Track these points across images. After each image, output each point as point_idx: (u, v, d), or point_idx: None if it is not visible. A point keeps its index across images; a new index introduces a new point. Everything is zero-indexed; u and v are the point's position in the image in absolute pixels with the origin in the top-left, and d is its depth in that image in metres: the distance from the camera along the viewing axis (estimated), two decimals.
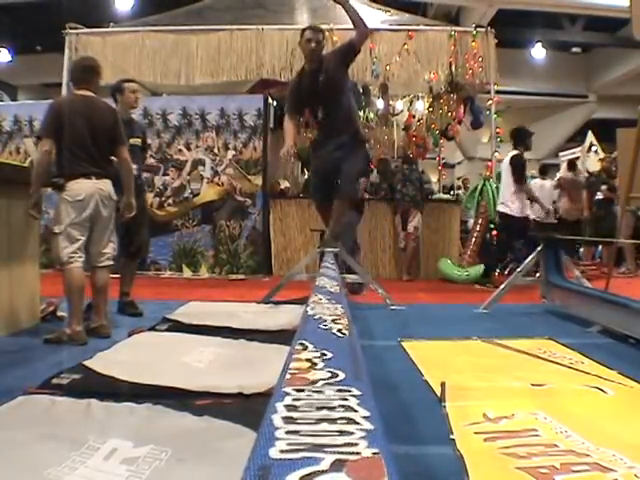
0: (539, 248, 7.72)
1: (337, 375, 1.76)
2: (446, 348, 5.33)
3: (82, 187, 5.39)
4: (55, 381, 3.81)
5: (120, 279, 7.05)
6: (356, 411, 1.38)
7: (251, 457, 1.07)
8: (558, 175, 14.88)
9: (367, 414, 1.34)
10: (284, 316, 6.33)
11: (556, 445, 2.87)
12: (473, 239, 11.99)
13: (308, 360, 1.92)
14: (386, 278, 11.08)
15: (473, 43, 11.87)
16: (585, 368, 4.55)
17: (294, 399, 1.49)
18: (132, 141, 6.60)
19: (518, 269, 7.92)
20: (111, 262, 5.78)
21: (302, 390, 1.58)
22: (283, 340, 4.95)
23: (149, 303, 7.45)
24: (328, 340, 2.22)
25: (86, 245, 5.54)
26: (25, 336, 5.56)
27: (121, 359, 4.58)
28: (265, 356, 4.65)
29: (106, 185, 5.57)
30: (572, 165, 14.56)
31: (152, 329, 5.77)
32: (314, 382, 1.69)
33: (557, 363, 4.73)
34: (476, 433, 3.02)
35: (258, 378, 3.93)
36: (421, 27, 12.34)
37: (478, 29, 12.14)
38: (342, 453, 1.04)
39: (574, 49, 25.58)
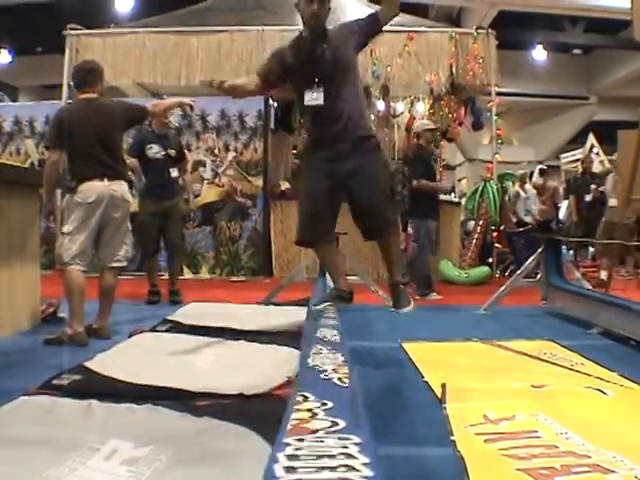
0: (539, 250, 7.72)
1: (337, 424, 1.77)
2: (447, 349, 5.32)
3: (93, 189, 5.39)
4: (55, 382, 3.80)
5: (168, 272, 8.28)
6: (356, 458, 1.39)
7: None
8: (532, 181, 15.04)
9: (367, 461, 1.35)
10: (285, 317, 6.32)
11: (556, 446, 2.87)
12: (474, 241, 11.99)
13: (309, 410, 1.94)
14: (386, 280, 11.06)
15: (474, 44, 11.89)
16: (585, 370, 4.55)
17: (295, 449, 1.50)
18: (169, 152, 7.88)
19: (518, 271, 7.92)
20: (123, 263, 5.78)
21: (303, 440, 1.60)
22: (284, 341, 4.96)
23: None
24: (328, 390, 2.23)
25: (96, 247, 5.55)
26: (26, 337, 5.56)
27: (121, 360, 4.58)
28: (265, 357, 4.65)
29: (119, 186, 5.56)
30: (542, 172, 15.01)
31: (153, 330, 5.76)
32: (315, 431, 1.71)
33: (557, 365, 4.73)
34: (477, 434, 3.01)
35: (258, 379, 3.93)
36: (422, 28, 12.36)
37: (479, 30, 12.18)
38: None
39: (575, 51, 25.59)
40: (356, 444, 1.51)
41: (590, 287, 7.95)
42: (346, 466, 1.32)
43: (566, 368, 4.63)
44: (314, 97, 4.83)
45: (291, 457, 1.41)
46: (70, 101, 10.00)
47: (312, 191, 4.92)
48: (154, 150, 7.80)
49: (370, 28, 5.16)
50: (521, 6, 19.95)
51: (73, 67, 7.03)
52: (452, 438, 2.98)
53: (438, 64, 11.85)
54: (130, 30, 12.54)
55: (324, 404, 1.99)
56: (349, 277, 7.64)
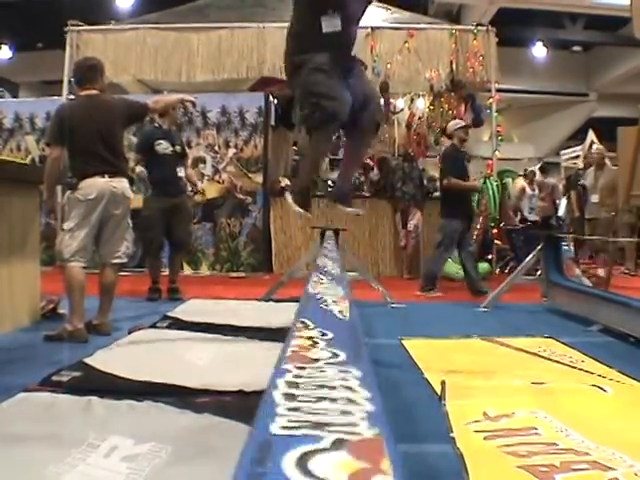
0: (539, 247, 7.72)
1: (338, 355, 1.73)
2: (446, 346, 5.33)
3: (94, 185, 5.38)
4: (55, 378, 3.81)
5: (169, 269, 8.20)
6: (357, 392, 1.38)
7: (251, 432, 1.07)
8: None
9: (368, 395, 1.34)
10: (284, 314, 6.30)
11: (556, 444, 2.88)
12: (473, 237, 11.98)
13: (310, 338, 1.92)
14: (387, 276, 11.07)
15: (474, 41, 11.88)
16: (585, 367, 4.56)
17: (295, 376, 1.49)
18: (176, 148, 8.01)
19: (518, 268, 7.93)
20: (123, 260, 5.77)
21: (304, 368, 1.58)
22: (284, 338, 4.95)
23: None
24: (329, 320, 2.21)
25: (96, 243, 5.55)
26: (26, 333, 5.57)
27: (121, 357, 4.59)
28: (266, 354, 4.64)
29: (120, 183, 5.55)
30: (542, 169, 15.28)
31: (153, 326, 5.76)
32: (316, 360, 1.67)
33: (557, 362, 4.74)
34: (476, 432, 3.02)
35: (259, 376, 3.92)
36: (422, 25, 12.34)
37: (479, 27, 12.15)
38: (343, 433, 1.04)
39: (575, 48, 25.53)
40: (357, 378, 1.50)
41: (590, 284, 7.97)
42: (347, 399, 1.31)
43: (566, 365, 4.64)
44: (333, 24, 4.66)
45: (291, 384, 1.40)
46: (71, 97, 9.98)
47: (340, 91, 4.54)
48: (163, 146, 7.80)
49: None
50: (521, 3, 19.92)
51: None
52: (451, 435, 2.99)
53: (438, 61, 11.84)
54: (131, 26, 12.51)
55: (324, 334, 1.96)
56: (349, 273, 7.68)
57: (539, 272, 8.32)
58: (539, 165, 15.55)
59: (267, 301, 7.44)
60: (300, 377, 1.47)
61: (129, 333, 5.43)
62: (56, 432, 2.93)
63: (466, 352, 5.13)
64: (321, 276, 2.84)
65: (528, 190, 13.64)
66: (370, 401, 1.30)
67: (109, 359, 4.40)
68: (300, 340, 1.89)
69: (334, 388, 1.39)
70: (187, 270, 11.42)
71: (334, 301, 2.50)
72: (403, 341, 5.28)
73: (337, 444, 0.98)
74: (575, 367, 4.58)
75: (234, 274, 11.47)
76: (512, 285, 7.75)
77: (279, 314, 6.40)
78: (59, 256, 5.47)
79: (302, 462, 0.89)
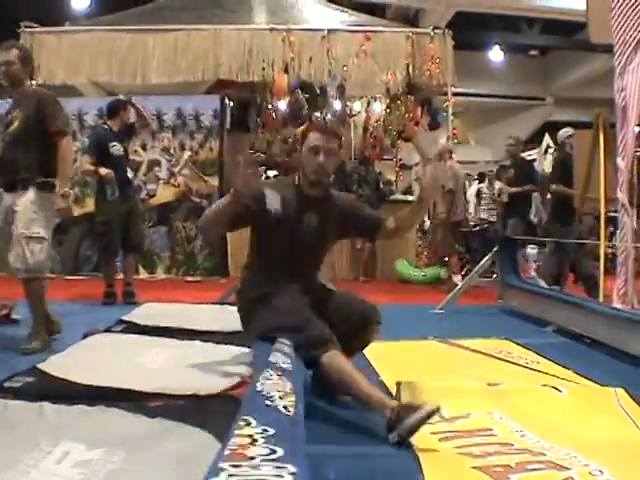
0: (495, 249, 7.77)
1: (275, 452, 1.78)
2: (402, 348, 5.33)
3: None
4: (7, 384, 3.75)
5: (124, 272, 8.16)
6: None
7: None
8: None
9: None
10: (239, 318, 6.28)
11: (511, 444, 2.88)
12: (430, 240, 12.04)
13: (249, 436, 1.94)
14: (343, 279, 11.05)
15: (430, 45, 11.95)
16: (541, 367, 4.59)
17: (229, 475, 1.51)
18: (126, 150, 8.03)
19: (474, 270, 7.96)
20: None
21: (239, 466, 1.61)
22: (238, 341, 4.92)
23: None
24: (272, 416, 2.24)
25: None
26: None
27: (75, 361, 4.52)
28: (220, 357, 4.62)
29: None
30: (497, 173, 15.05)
31: (107, 331, 5.69)
32: (252, 458, 1.71)
33: (513, 363, 4.77)
34: (432, 433, 3.01)
35: (212, 379, 3.91)
36: (379, 28, 12.38)
37: (435, 31, 12.22)
38: None
39: (532, 52, 25.82)
40: (291, 474, 1.51)
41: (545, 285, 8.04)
42: None
43: (521, 366, 4.67)
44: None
45: None
46: None
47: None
48: (117, 147, 7.73)
49: (367, 231, 4.35)
50: (478, 7, 20.07)
51: None
52: None
53: (395, 64, 11.88)
54: (86, 28, 12.40)
55: (265, 430, 1.99)
56: None
57: (495, 274, 8.37)
58: (496, 168, 15.61)
59: (222, 304, 7.38)
60: (234, 476, 1.48)
61: (83, 337, 5.35)
62: (7, 438, 2.88)
63: (422, 354, 5.14)
64: (271, 372, 2.86)
65: (485, 191, 13.70)
66: None
67: (62, 364, 4.33)
68: (239, 439, 1.93)
69: None
70: (143, 274, 11.32)
71: (280, 397, 2.52)
72: None
73: None
74: (530, 368, 4.61)
75: (190, 278, 11.41)
76: (468, 287, 7.78)
77: (234, 318, 6.35)
78: (36, 269, 5.03)
79: None
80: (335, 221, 4.04)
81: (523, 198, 9.87)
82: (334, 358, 3.33)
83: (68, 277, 10.73)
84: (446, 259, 10.99)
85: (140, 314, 6.63)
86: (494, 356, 4.99)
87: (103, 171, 7.51)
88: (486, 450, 2.79)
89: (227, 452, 1.75)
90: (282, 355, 3.19)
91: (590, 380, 4.18)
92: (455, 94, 12.55)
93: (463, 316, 7.24)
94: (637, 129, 6.28)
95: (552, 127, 21.11)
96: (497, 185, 13.01)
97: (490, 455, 2.73)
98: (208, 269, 11.63)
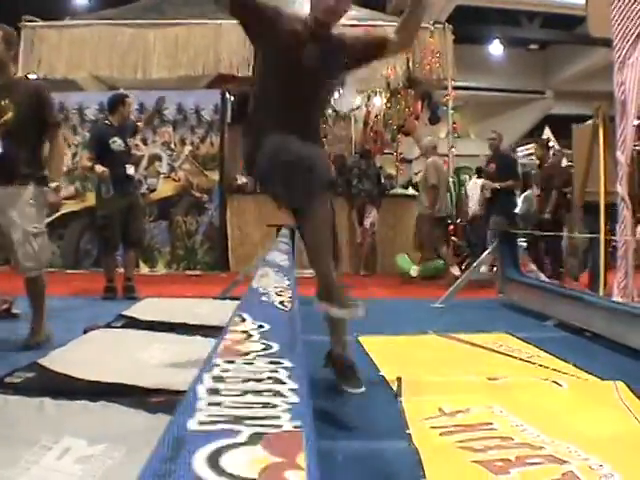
0: (495, 243, 7.76)
1: (270, 347, 1.76)
2: (403, 343, 5.32)
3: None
4: (8, 380, 3.75)
5: (124, 267, 8.20)
6: (284, 383, 1.36)
7: (167, 428, 1.05)
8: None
9: (295, 386, 1.32)
10: None
11: (512, 438, 2.88)
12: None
13: (244, 332, 1.92)
14: (343, 272, 11.02)
15: (431, 39, 11.91)
16: (541, 361, 4.59)
17: (222, 370, 1.47)
18: (128, 145, 8.05)
19: (474, 264, 7.96)
20: None
21: (232, 362, 1.57)
22: None
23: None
24: (267, 312, 2.20)
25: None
26: None
27: (76, 357, 4.52)
28: None
29: None
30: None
31: (107, 326, 5.69)
32: (246, 354, 1.68)
33: (513, 357, 4.77)
34: (432, 427, 3.01)
35: None
36: (379, 22, 12.32)
37: (436, 25, 12.20)
38: (262, 426, 1.02)
39: (532, 46, 25.78)
40: (286, 368, 1.49)
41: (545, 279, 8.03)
42: (272, 391, 1.29)
43: (522, 360, 4.66)
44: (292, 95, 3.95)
45: (217, 379, 1.38)
46: None
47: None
48: (118, 143, 7.73)
49: (371, 53, 4.16)
50: (478, 1, 20.06)
51: None
52: (407, 431, 2.98)
53: (395, 58, 11.83)
54: (86, 22, 12.34)
55: (261, 326, 1.98)
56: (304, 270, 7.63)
57: (495, 268, 8.36)
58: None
59: (223, 299, 7.38)
60: (227, 371, 1.45)
61: (84, 333, 5.35)
62: (8, 435, 2.89)
63: (422, 348, 5.14)
64: (267, 269, 2.83)
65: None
66: (296, 393, 1.27)
67: (63, 359, 4.34)
68: (234, 334, 1.88)
69: (260, 381, 1.37)
70: (143, 269, 11.32)
71: (277, 293, 2.48)
72: (359, 338, 5.25)
73: (254, 438, 0.96)
74: (531, 362, 4.60)
75: (191, 272, 11.41)
76: (468, 281, 7.78)
77: None
78: (39, 265, 5.00)
79: (214, 458, 0.86)
80: (339, 53, 3.95)
81: (506, 194, 9.89)
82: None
83: (68, 271, 10.79)
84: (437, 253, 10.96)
85: (140, 309, 6.63)
86: (494, 350, 4.98)
87: (98, 169, 7.48)
88: (486, 444, 2.78)
89: (221, 348, 1.74)
90: (280, 253, 3.18)
91: (590, 374, 4.17)
92: (455, 88, 12.53)
93: (463, 310, 7.23)
94: (636, 122, 6.29)
95: (552, 121, 21.12)
96: (479, 182, 12.99)
97: (490, 449, 2.73)
98: (209, 264, 11.62)
